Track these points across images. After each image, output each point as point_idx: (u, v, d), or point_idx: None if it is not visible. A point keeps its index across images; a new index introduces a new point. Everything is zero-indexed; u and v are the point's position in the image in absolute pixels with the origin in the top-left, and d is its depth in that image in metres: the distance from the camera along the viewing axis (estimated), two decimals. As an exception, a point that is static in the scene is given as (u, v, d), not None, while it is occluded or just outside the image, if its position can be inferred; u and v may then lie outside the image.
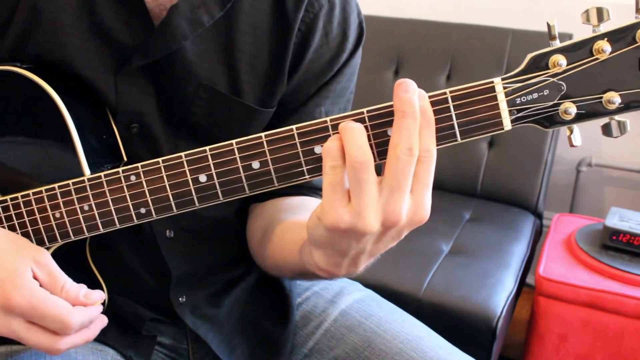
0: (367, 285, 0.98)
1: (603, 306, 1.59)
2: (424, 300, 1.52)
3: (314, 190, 0.86)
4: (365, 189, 0.56)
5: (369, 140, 0.59)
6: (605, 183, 2.16)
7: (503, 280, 1.58)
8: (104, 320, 0.71)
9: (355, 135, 0.57)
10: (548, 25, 0.58)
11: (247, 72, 0.79)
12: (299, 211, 0.81)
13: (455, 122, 0.59)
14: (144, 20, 0.73)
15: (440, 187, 2.00)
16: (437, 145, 0.59)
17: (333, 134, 0.60)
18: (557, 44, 0.58)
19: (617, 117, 0.58)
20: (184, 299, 0.85)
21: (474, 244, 1.73)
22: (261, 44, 0.79)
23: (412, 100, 0.56)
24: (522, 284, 1.71)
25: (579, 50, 0.57)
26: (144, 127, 0.77)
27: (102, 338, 0.82)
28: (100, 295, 0.69)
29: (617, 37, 0.57)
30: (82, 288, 0.68)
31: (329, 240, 0.60)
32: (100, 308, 0.70)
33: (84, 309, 0.67)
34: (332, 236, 0.59)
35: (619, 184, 2.14)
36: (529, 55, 0.59)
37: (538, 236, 1.95)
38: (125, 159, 0.76)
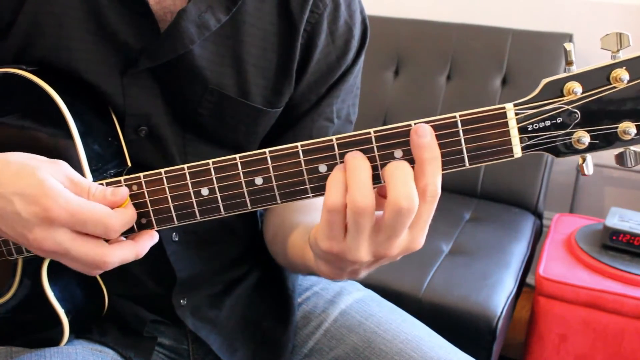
0: (367, 285, 0.98)
1: (603, 306, 1.59)
2: (424, 300, 1.52)
3: None
4: (361, 232, 0.57)
5: (375, 161, 0.59)
6: (605, 183, 2.16)
7: (503, 280, 1.58)
8: (153, 236, 0.67)
9: (359, 177, 0.57)
10: (565, 49, 0.56)
11: (254, 74, 0.79)
12: (309, 211, 0.81)
13: (464, 147, 0.58)
14: (149, 23, 0.73)
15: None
16: (444, 170, 0.58)
17: (339, 153, 0.60)
18: (574, 69, 0.56)
19: (632, 147, 0.56)
20: (185, 302, 0.85)
21: (474, 244, 1.73)
22: (268, 45, 0.79)
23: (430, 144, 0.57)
24: (522, 284, 1.71)
25: (596, 77, 0.55)
26: (153, 129, 0.77)
27: (102, 339, 0.82)
28: (125, 190, 0.65)
29: (635, 65, 0.54)
30: (107, 189, 0.65)
31: (327, 258, 0.62)
32: (132, 210, 0.66)
33: (120, 210, 0.64)
34: (328, 256, 0.61)
35: (619, 184, 2.14)
36: (544, 81, 0.57)
37: (538, 236, 1.95)
38: (129, 164, 0.76)
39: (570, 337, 1.65)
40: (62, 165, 0.64)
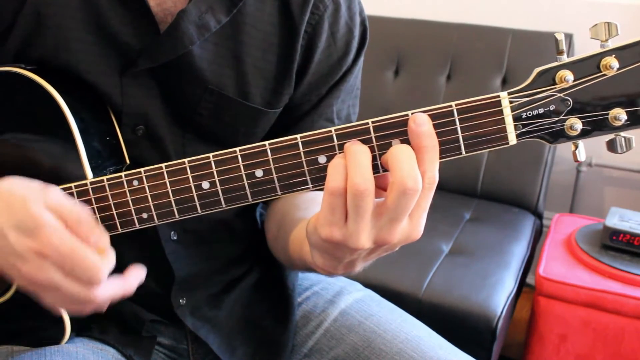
0: (367, 285, 0.98)
1: (603, 306, 1.59)
2: (424, 300, 1.52)
3: None
4: (362, 216, 0.57)
5: (373, 151, 0.60)
6: (605, 183, 2.16)
7: (503, 280, 1.58)
8: (140, 275, 0.67)
9: (359, 160, 0.57)
10: (555, 39, 0.58)
11: (254, 75, 0.79)
12: (310, 205, 0.81)
13: (460, 135, 0.59)
14: (149, 23, 0.73)
15: (440, 187, 1.98)
16: (441, 158, 0.59)
17: (338, 144, 0.60)
18: (565, 58, 0.58)
19: (622, 134, 0.58)
20: (184, 301, 0.85)
21: (474, 244, 1.73)
22: (268, 46, 0.79)
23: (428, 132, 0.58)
24: (522, 284, 1.71)
25: (587, 65, 0.57)
26: (150, 129, 0.77)
27: (103, 337, 0.82)
28: (107, 238, 0.64)
29: (625, 53, 0.56)
30: (94, 233, 0.63)
31: (324, 247, 0.61)
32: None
33: (106, 258, 0.63)
34: (327, 245, 0.60)
35: (619, 184, 2.14)
36: (536, 70, 0.58)
37: (538, 236, 1.95)
38: (127, 161, 0.76)
39: (570, 337, 1.65)
40: (55, 193, 0.63)
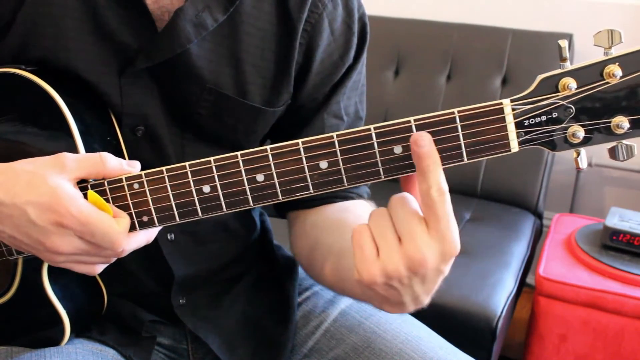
0: (367, 285, 0.97)
1: (603, 306, 1.59)
2: (424, 300, 1.52)
3: (346, 191, 0.86)
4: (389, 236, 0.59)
5: (375, 157, 0.60)
6: (605, 183, 2.16)
7: (503, 280, 1.58)
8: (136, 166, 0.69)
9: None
10: (559, 46, 0.57)
11: (252, 74, 0.79)
12: (344, 231, 0.79)
13: (462, 142, 0.59)
14: (147, 22, 0.73)
15: (440, 187, 2.00)
16: (443, 165, 0.59)
17: (339, 149, 0.60)
18: (568, 65, 0.57)
19: (624, 141, 0.58)
20: (184, 301, 0.85)
21: (474, 244, 1.73)
22: (266, 45, 0.79)
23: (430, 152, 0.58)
24: (522, 284, 1.71)
25: (590, 73, 0.57)
26: (150, 129, 0.77)
27: (102, 338, 0.82)
28: (138, 163, 0.69)
29: (628, 61, 0.56)
30: (122, 161, 0.68)
31: (379, 296, 0.62)
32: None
33: (127, 221, 0.67)
34: (377, 293, 0.61)
35: (619, 184, 2.14)
36: (539, 77, 0.58)
37: (538, 236, 1.95)
38: None
39: (570, 337, 1.65)
40: (66, 159, 0.65)
